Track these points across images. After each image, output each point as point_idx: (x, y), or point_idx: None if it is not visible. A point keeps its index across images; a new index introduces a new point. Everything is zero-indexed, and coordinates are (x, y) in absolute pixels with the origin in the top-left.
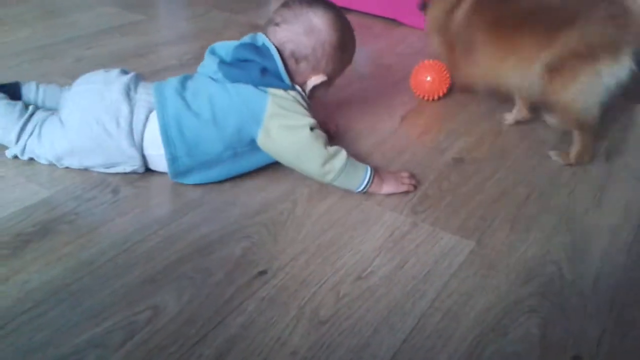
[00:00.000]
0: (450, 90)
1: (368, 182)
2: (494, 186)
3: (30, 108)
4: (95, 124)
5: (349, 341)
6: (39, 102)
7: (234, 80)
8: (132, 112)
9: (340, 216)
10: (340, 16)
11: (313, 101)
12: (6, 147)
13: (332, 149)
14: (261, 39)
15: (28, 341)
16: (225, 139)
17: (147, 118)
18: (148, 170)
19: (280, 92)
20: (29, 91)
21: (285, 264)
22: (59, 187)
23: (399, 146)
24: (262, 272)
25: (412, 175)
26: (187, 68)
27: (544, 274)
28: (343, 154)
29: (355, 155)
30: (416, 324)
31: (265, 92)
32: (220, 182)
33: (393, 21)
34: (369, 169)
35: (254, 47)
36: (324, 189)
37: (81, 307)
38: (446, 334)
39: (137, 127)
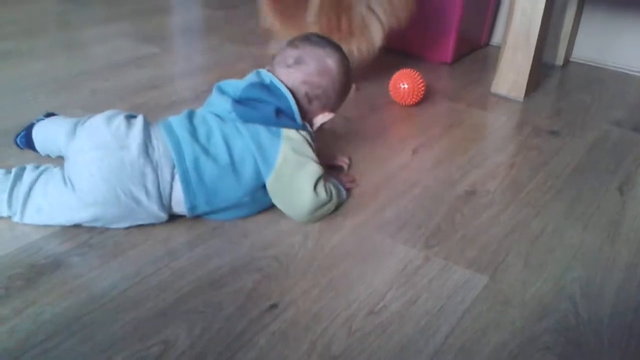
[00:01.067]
0: (424, 97)
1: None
2: (508, 220)
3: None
4: (124, 196)
5: None
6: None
7: (247, 120)
8: (157, 175)
9: (352, 249)
10: (345, 55)
11: (320, 133)
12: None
13: (328, 200)
14: (267, 77)
15: None
16: (244, 185)
17: (172, 177)
18: None
19: (292, 132)
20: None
21: (296, 297)
22: None
23: (411, 179)
24: (274, 306)
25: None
26: (201, 100)
27: (559, 310)
28: (334, 197)
29: (365, 190)
30: None
31: (279, 133)
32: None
33: (404, 54)
34: (340, 185)
35: (265, 87)
36: (335, 221)
37: (93, 341)
38: None
39: (164, 189)
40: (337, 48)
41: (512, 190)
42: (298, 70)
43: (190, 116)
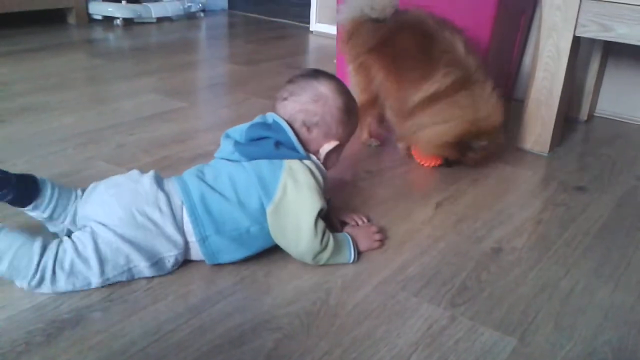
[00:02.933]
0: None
1: (353, 255)
2: (536, 278)
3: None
4: (139, 215)
5: None
6: (53, 201)
7: (251, 157)
8: (168, 198)
9: (375, 307)
10: (342, 83)
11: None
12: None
13: (323, 243)
14: (271, 117)
15: None
16: (251, 215)
17: (182, 203)
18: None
19: (296, 163)
20: (44, 187)
21: (318, 358)
22: None
23: (435, 235)
24: None
25: (379, 230)
26: None
27: None
28: (331, 244)
29: (389, 245)
30: None
31: (281, 164)
32: (254, 270)
33: None
34: (350, 243)
35: (266, 125)
36: (358, 278)
37: None
38: None
39: (177, 211)
40: (332, 77)
41: (539, 247)
42: (292, 101)
43: (202, 166)
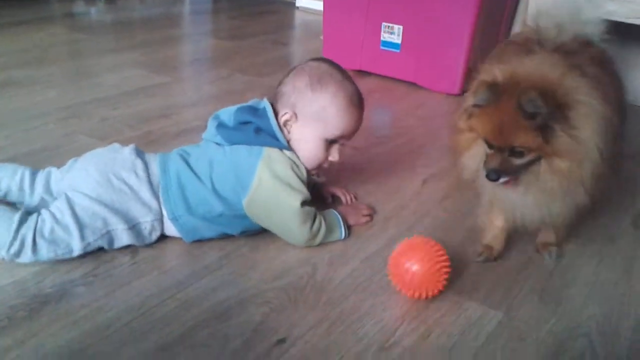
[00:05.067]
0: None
1: (344, 232)
2: (520, 255)
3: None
4: (115, 179)
5: None
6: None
7: (232, 142)
8: (147, 166)
9: (362, 282)
10: (318, 66)
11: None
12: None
13: (315, 227)
14: (263, 102)
15: None
16: (224, 201)
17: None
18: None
19: (275, 152)
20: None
21: (305, 331)
22: None
23: (421, 210)
24: (281, 341)
25: (369, 207)
26: None
27: (574, 347)
28: (323, 228)
29: (375, 221)
30: None
31: (260, 152)
32: (239, 245)
33: (414, 85)
34: (340, 221)
35: (252, 110)
36: (345, 253)
37: None
38: None
39: (154, 178)
40: (313, 61)
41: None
42: (280, 87)
43: (189, 146)
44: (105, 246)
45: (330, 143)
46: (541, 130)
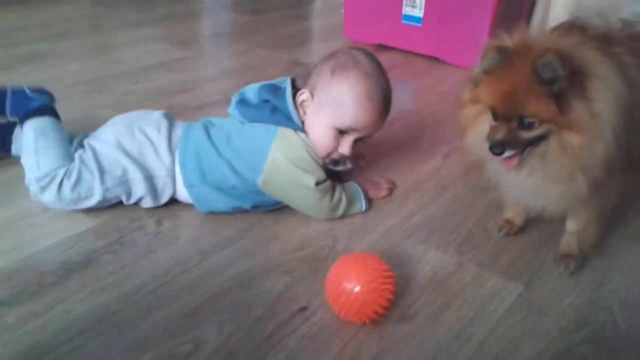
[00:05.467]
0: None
1: (364, 204)
2: (543, 228)
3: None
4: (139, 132)
5: None
6: None
7: (250, 119)
8: (172, 126)
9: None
10: (350, 53)
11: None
12: None
13: (335, 199)
14: (286, 82)
15: None
16: (239, 176)
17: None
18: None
19: (289, 132)
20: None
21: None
22: (104, 218)
23: (442, 184)
24: (303, 309)
25: (390, 181)
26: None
27: (596, 320)
28: (343, 200)
29: (396, 195)
30: None
31: (275, 131)
32: (261, 217)
33: (435, 59)
34: (360, 193)
35: (274, 88)
36: (365, 226)
37: (123, 338)
38: None
39: (174, 140)
40: (369, 58)
41: None
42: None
43: (215, 118)
44: (123, 197)
45: (341, 134)
46: (556, 99)
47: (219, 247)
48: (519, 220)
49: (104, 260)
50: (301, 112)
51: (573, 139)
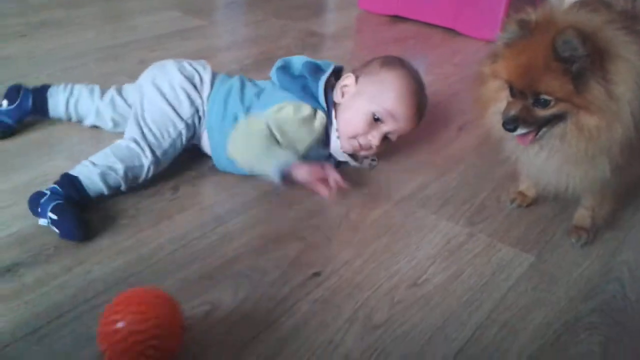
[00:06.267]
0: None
1: (276, 172)
2: (555, 199)
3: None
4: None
5: (403, 348)
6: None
7: (283, 86)
8: (211, 76)
9: (395, 223)
10: (397, 58)
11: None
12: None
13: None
14: (331, 67)
15: (87, 330)
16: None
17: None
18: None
19: (307, 107)
20: (56, 103)
21: (339, 267)
22: None
23: (456, 156)
24: (316, 274)
25: (338, 176)
26: (246, 73)
27: (606, 291)
28: (263, 139)
29: (409, 166)
30: (472, 335)
31: (293, 100)
32: (275, 185)
33: (451, 31)
34: (282, 161)
35: (316, 68)
36: (377, 196)
37: None
38: (503, 347)
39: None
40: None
41: None
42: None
43: (257, 81)
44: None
45: (375, 122)
46: (573, 78)
47: (234, 213)
48: (531, 193)
49: (121, 225)
50: (339, 95)
51: (590, 120)
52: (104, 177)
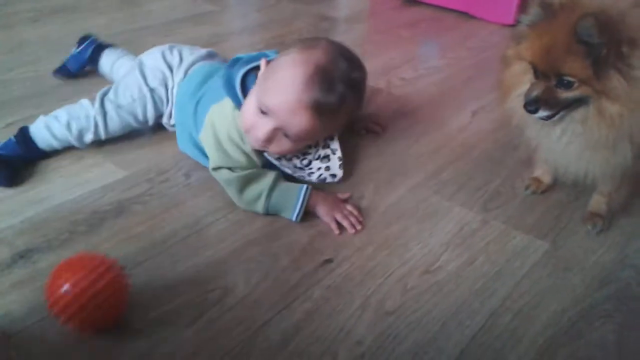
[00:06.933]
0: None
1: (296, 215)
2: (571, 186)
3: None
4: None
5: (416, 334)
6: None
7: (222, 79)
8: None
9: (408, 209)
10: (315, 39)
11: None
12: None
13: (248, 195)
14: (269, 55)
15: None
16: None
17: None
18: None
19: (228, 105)
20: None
21: (351, 253)
22: (134, 169)
23: (469, 142)
24: (328, 261)
25: (356, 213)
26: None
27: (621, 278)
28: (262, 200)
29: (423, 151)
30: (485, 322)
31: (221, 99)
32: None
33: (465, 14)
34: (300, 202)
35: (252, 58)
36: (390, 182)
37: (153, 285)
38: (517, 334)
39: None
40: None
41: None
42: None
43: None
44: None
45: (262, 114)
46: (594, 62)
47: None
48: (546, 179)
49: (134, 210)
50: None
51: (611, 107)
52: (47, 125)
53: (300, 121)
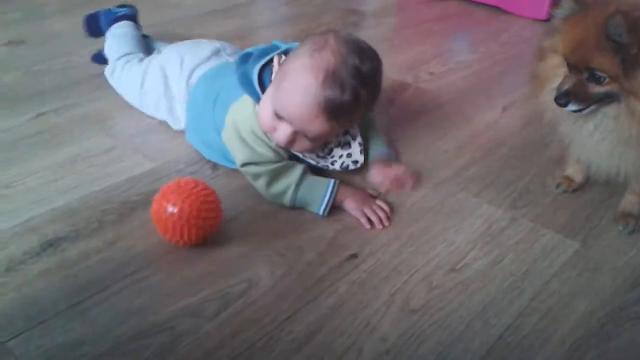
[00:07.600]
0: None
1: (323, 209)
2: (603, 185)
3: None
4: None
5: (441, 333)
6: None
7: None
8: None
9: (434, 205)
10: (334, 34)
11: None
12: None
13: (275, 189)
14: (286, 47)
15: (128, 304)
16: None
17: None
18: None
19: (248, 102)
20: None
21: (376, 249)
22: (163, 160)
23: (498, 138)
24: (353, 256)
25: (387, 212)
26: None
27: None
28: (289, 194)
29: (450, 147)
30: (512, 322)
31: (240, 97)
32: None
33: (496, 9)
34: (328, 196)
35: (264, 52)
36: (417, 177)
37: (179, 276)
38: (544, 335)
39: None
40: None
41: None
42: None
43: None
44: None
45: (278, 118)
46: (622, 60)
47: None
48: (578, 178)
49: None
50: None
51: (638, 105)
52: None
53: (317, 126)
